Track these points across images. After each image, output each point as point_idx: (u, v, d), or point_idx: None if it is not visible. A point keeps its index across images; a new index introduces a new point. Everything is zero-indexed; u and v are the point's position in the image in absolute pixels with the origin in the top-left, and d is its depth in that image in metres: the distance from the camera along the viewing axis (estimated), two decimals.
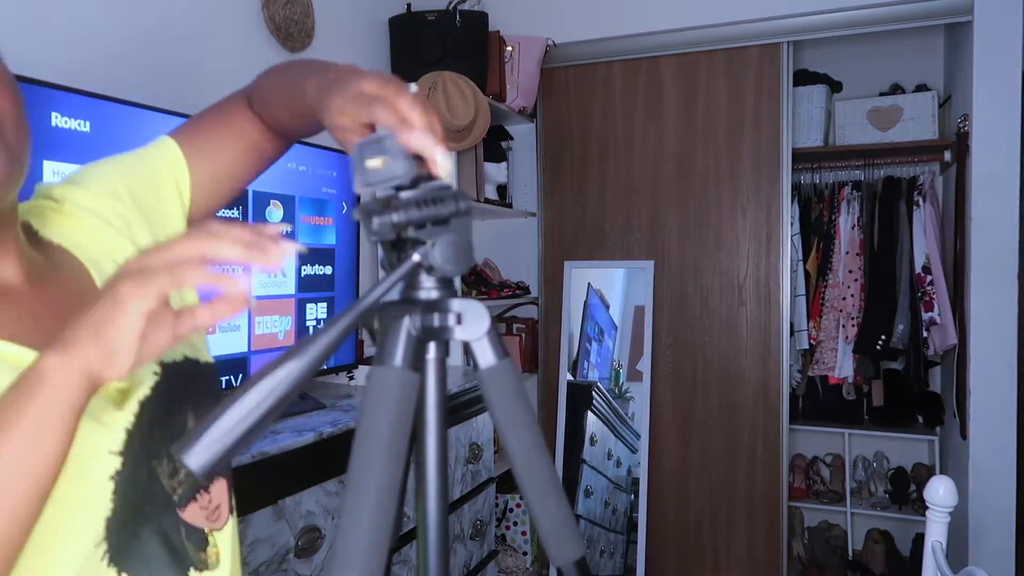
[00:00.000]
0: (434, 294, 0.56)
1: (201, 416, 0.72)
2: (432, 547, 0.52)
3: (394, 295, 0.55)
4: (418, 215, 0.54)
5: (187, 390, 0.72)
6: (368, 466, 0.47)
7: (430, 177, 0.58)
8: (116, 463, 0.62)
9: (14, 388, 0.51)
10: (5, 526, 0.48)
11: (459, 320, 0.54)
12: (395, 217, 0.53)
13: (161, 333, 0.52)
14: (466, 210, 0.56)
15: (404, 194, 0.56)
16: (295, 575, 1.63)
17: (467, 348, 0.55)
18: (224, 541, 0.73)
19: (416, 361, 0.52)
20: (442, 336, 0.55)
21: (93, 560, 0.60)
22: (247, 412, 0.46)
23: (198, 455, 0.45)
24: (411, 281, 0.55)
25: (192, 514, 0.69)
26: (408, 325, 0.52)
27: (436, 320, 0.54)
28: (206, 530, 0.71)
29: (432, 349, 0.55)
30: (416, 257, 0.54)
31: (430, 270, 0.54)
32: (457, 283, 2.81)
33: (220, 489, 0.74)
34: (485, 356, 0.54)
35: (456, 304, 0.54)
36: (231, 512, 0.74)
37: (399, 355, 0.51)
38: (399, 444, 0.48)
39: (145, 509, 0.64)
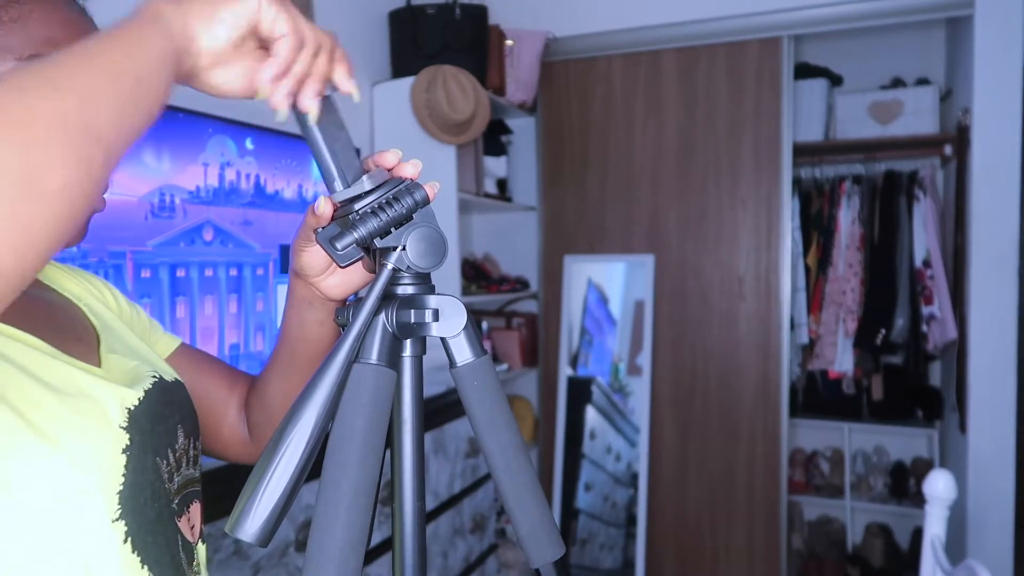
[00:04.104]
0: (410, 290, 0.55)
1: (191, 437, 0.74)
2: (408, 554, 0.51)
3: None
4: (378, 224, 0.54)
5: (176, 405, 0.73)
6: (343, 464, 0.47)
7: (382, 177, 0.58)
8: (125, 438, 0.63)
9: (127, 21, 0.50)
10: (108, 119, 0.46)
11: (436, 316, 0.53)
12: (356, 234, 0.53)
13: (247, 61, 0.56)
14: (424, 200, 0.56)
15: (359, 205, 0.55)
16: (295, 569, 1.64)
17: (444, 345, 0.55)
18: (202, 559, 0.74)
19: (392, 358, 0.52)
20: (418, 333, 0.54)
21: (116, 541, 0.61)
22: (284, 472, 0.47)
23: (252, 527, 0.46)
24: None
25: (183, 526, 0.70)
26: (384, 321, 0.52)
27: (412, 316, 0.53)
28: (192, 544, 0.71)
29: (408, 346, 0.55)
30: (390, 265, 0.53)
31: (408, 269, 0.54)
32: (457, 276, 2.81)
33: (196, 511, 0.75)
34: (462, 353, 0.54)
35: (433, 300, 0.54)
36: (201, 536, 0.75)
37: (375, 351, 0.51)
38: (375, 442, 0.48)
39: (155, 504, 0.65)
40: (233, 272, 1.84)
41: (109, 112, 0.45)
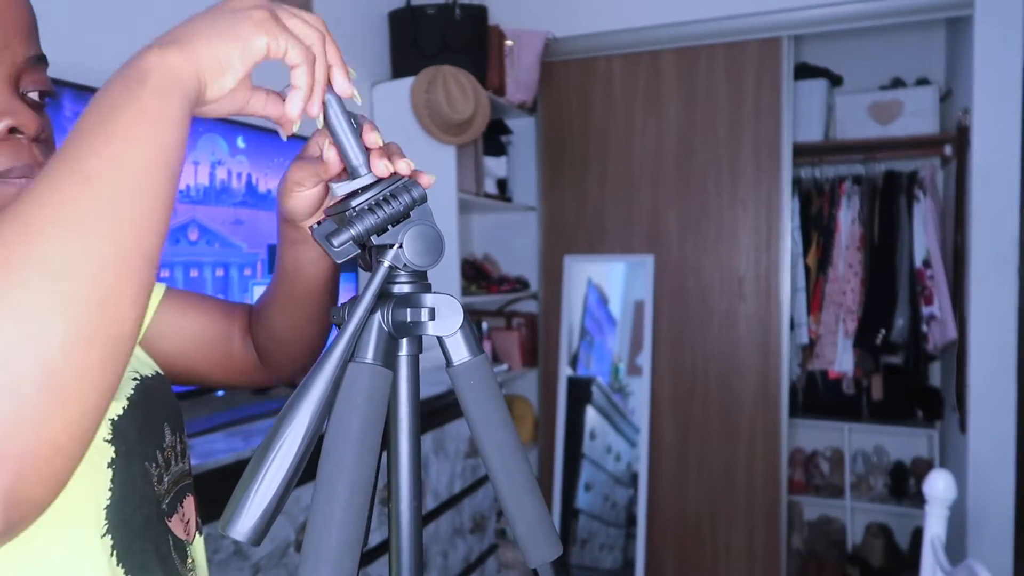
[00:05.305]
0: (406, 289, 0.55)
1: (177, 432, 0.73)
2: (405, 554, 0.51)
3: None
4: (375, 221, 0.54)
5: (160, 402, 0.71)
6: (339, 464, 0.47)
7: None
8: (110, 451, 0.61)
9: (128, 77, 0.47)
10: (140, 203, 0.44)
11: (432, 315, 0.53)
12: (353, 231, 0.53)
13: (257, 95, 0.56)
14: (421, 198, 0.56)
15: (355, 201, 0.55)
16: (295, 569, 1.64)
17: (440, 344, 0.54)
18: (198, 555, 0.73)
19: (388, 357, 0.51)
20: (415, 332, 0.54)
21: (103, 556, 0.60)
22: (277, 471, 0.47)
23: (244, 525, 0.46)
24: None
25: (175, 525, 0.69)
26: (380, 320, 0.52)
27: (408, 315, 0.53)
28: (184, 542, 0.71)
29: (405, 345, 0.55)
30: (386, 263, 0.53)
31: (404, 267, 0.54)
32: (457, 276, 2.81)
33: (190, 505, 0.74)
34: (459, 352, 0.54)
35: (429, 299, 0.54)
36: (198, 529, 0.75)
37: (370, 350, 0.51)
38: (371, 441, 0.48)
39: (142, 511, 0.64)
40: (219, 272, 1.81)
41: (157, 228, 0.44)
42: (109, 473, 0.61)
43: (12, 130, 0.59)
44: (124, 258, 0.41)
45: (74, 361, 0.38)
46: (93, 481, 0.60)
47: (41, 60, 0.62)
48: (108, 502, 0.61)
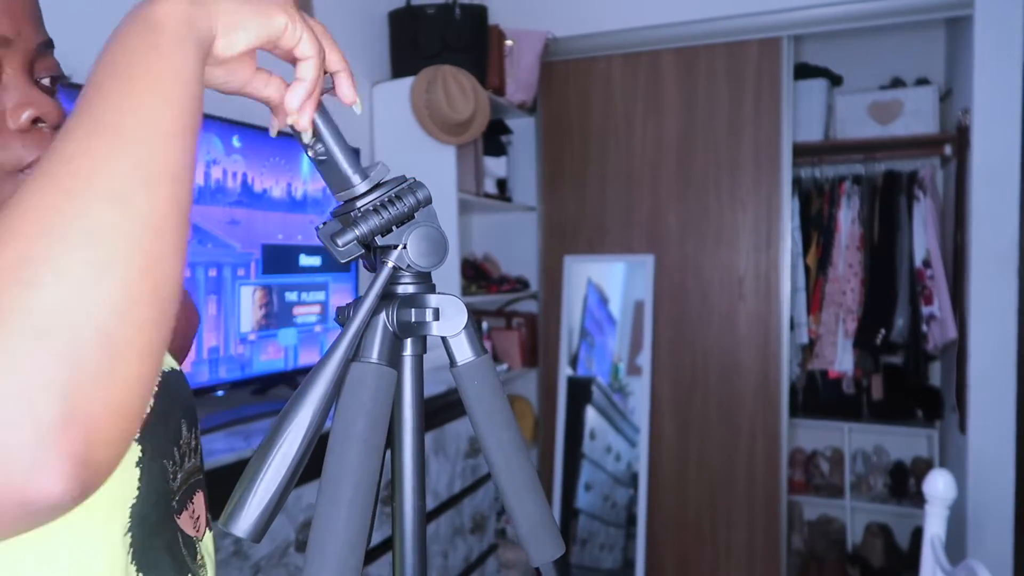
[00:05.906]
0: (411, 289, 0.55)
1: (192, 428, 0.73)
2: (408, 553, 0.51)
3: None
4: (380, 222, 0.54)
5: (177, 397, 0.71)
6: (344, 464, 0.47)
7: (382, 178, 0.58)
8: (137, 450, 0.61)
9: (139, 27, 0.45)
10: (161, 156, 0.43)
11: (436, 315, 0.54)
12: (358, 231, 0.53)
13: (244, 62, 0.55)
14: (426, 199, 0.56)
15: (361, 203, 0.55)
16: (295, 568, 1.64)
17: (444, 344, 0.55)
18: (207, 551, 0.73)
19: (392, 357, 0.52)
20: (419, 332, 0.54)
21: (123, 554, 0.59)
22: (279, 469, 0.47)
23: (245, 522, 0.46)
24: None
25: (184, 522, 0.69)
26: (384, 320, 0.52)
27: (413, 315, 0.53)
28: (194, 539, 0.71)
29: (409, 345, 0.55)
30: (390, 264, 0.54)
31: (408, 268, 0.54)
32: (457, 276, 2.81)
33: (200, 501, 0.73)
34: (463, 352, 0.54)
35: (433, 300, 0.54)
36: (208, 525, 0.74)
37: (375, 350, 0.51)
38: (375, 441, 0.48)
39: (158, 509, 0.64)
40: (212, 272, 1.79)
41: (187, 179, 0.44)
42: (137, 472, 0.61)
43: (35, 120, 0.59)
44: (161, 214, 0.41)
45: (128, 320, 0.38)
46: (123, 480, 0.60)
47: (50, 45, 0.62)
48: (134, 500, 0.61)
